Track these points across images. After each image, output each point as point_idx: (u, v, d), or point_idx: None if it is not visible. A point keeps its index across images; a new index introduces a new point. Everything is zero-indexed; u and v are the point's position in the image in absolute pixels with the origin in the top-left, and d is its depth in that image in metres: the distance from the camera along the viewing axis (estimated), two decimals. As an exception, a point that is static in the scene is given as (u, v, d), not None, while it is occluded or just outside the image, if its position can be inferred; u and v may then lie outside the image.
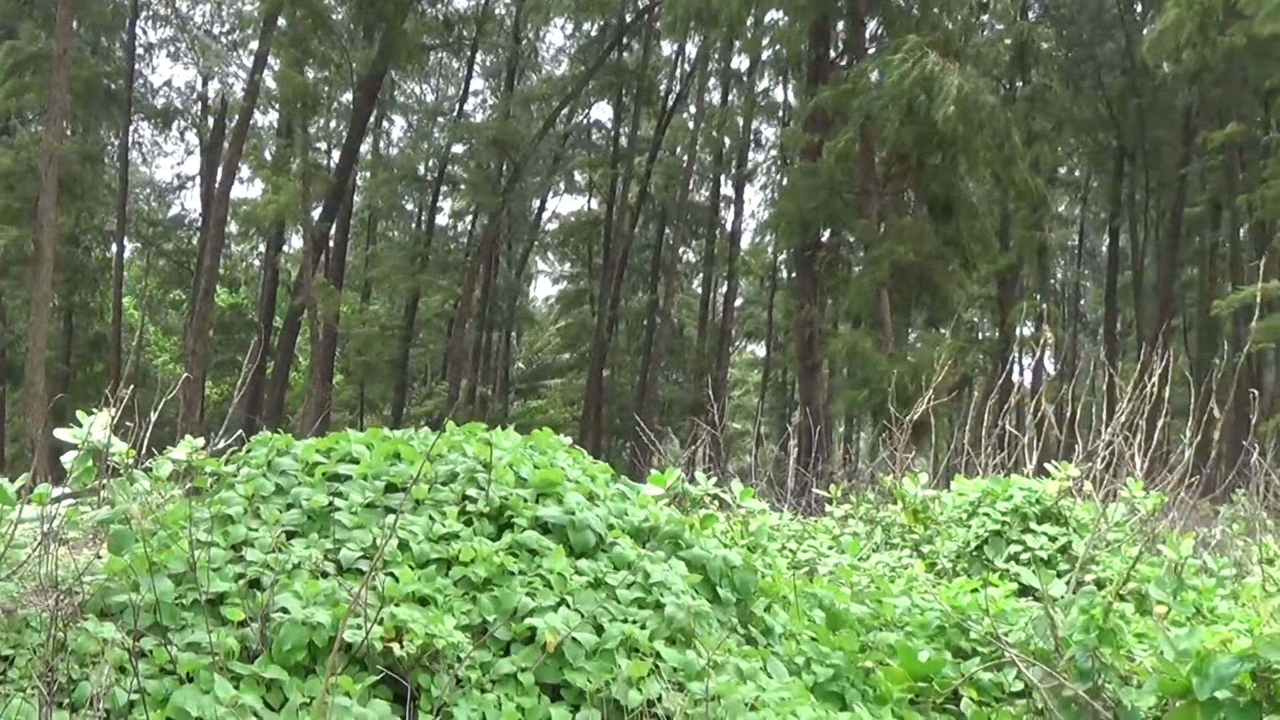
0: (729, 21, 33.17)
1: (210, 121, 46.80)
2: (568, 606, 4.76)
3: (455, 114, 50.85)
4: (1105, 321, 52.02)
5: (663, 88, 49.02)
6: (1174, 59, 39.66)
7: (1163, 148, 47.00)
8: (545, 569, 4.95)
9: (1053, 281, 61.33)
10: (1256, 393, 10.58)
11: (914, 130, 28.98)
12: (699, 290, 53.93)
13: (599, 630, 4.68)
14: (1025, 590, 6.18)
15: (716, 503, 7.75)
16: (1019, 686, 4.49)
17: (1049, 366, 58.85)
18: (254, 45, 39.82)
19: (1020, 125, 37.41)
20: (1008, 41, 41.24)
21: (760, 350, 59.04)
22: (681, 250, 50.70)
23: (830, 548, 7.78)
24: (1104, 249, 55.60)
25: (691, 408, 42.55)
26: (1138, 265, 50.74)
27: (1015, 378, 40.38)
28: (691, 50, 46.80)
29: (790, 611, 5.27)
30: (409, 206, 54.40)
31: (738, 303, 54.58)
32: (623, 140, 49.35)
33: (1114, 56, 46.62)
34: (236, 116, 39.55)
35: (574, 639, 4.52)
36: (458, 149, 49.79)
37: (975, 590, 5.48)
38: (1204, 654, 3.59)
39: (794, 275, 40.80)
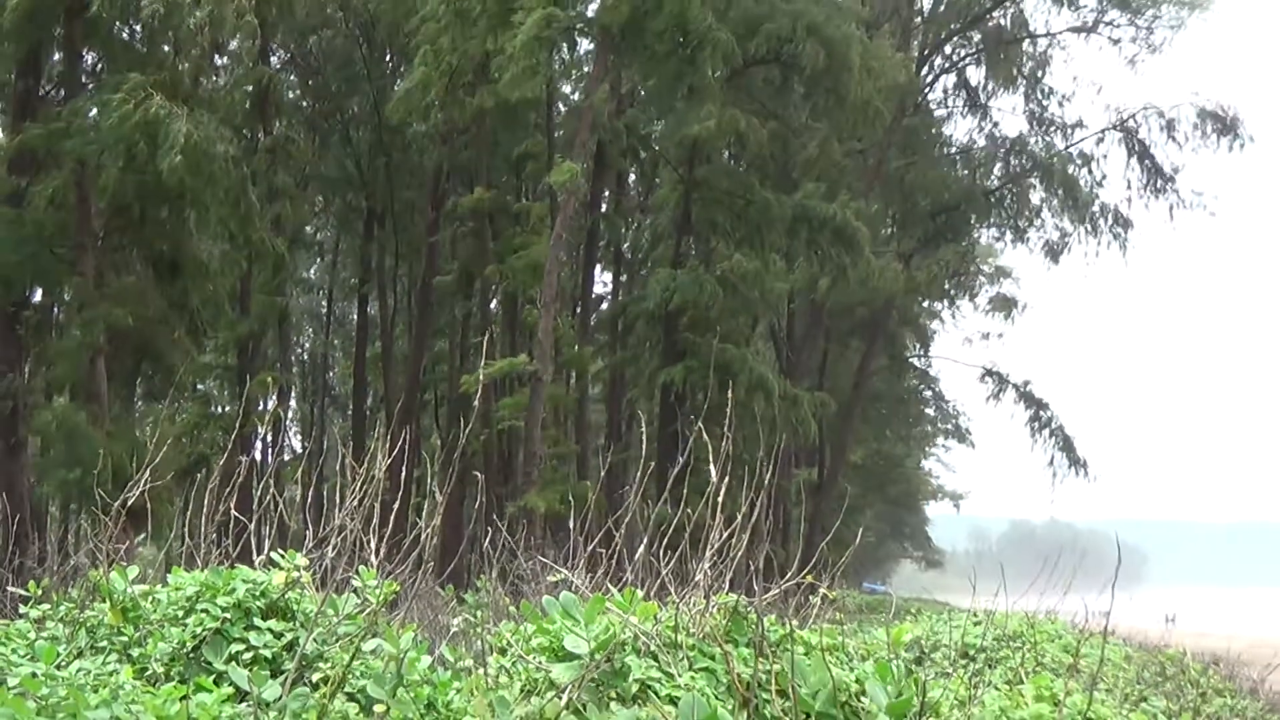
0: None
1: None
2: None
3: None
4: (353, 395, 53.62)
5: None
6: (423, 118, 42.27)
7: (413, 211, 49.57)
8: None
9: (300, 351, 62.57)
10: (485, 479, 11.35)
11: (137, 180, 28.50)
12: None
13: None
14: (245, 695, 6.20)
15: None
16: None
17: (296, 443, 59.99)
18: None
19: (261, 179, 37.92)
20: (249, 88, 41.69)
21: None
22: None
23: (24, 655, 7.36)
24: (353, 318, 57.52)
25: None
26: (388, 335, 52.83)
27: (257, 456, 40.73)
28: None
29: (-39, 737, 4.95)
30: None
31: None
32: None
33: (363, 112, 48.61)
34: None
35: None
36: None
37: (186, 697, 5.44)
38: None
39: (-4, 338, 38.51)
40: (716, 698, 5.65)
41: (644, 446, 10.39)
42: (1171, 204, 53.01)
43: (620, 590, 6.93)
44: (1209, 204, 53.05)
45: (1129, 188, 53.86)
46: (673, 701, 5.43)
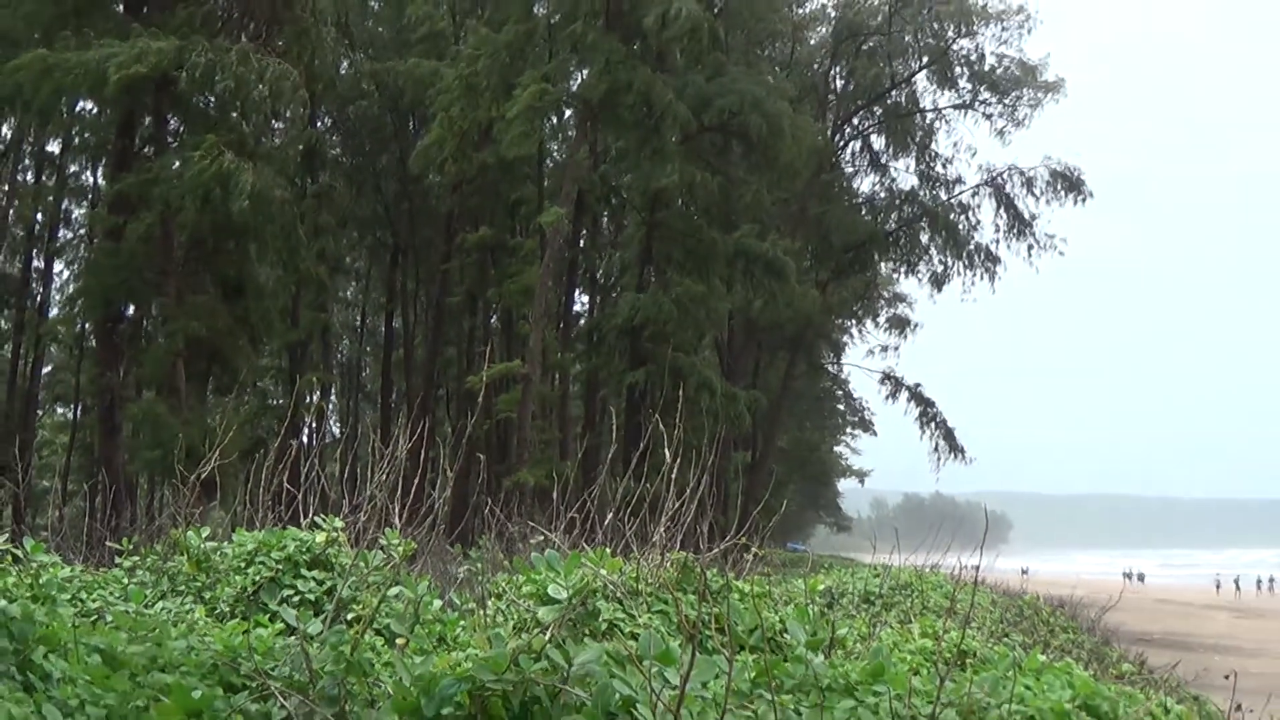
0: (40, 107, 30.56)
1: None
2: None
3: None
4: (381, 392, 53.40)
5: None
6: (438, 170, 42.16)
7: (430, 245, 49.39)
8: None
9: (339, 356, 62.15)
10: (486, 459, 11.31)
11: (211, 219, 28.44)
12: (9, 356, 48.59)
13: None
14: (293, 630, 6.18)
15: (10, 558, 7.11)
16: (283, 715, 4.51)
17: (335, 430, 59.57)
18: None
19: (309, 219, 37.75)
20: (300, 146, 41.51)
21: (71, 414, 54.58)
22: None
23: (119, 596, 7.34)
24: (381, 330, 57.30)
25: (-3, 467, 38.07)
26: (408, 345, 52.69)
27: (304, 440, 40.48)
28: (6, 132, 42.55)
29: (70, 657, 4.91)
30: None
31: (47, 369, 49.96)
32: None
33: (391, 165, 48.51)
34: None
35: None
36: None
37: (247, 631, 5.43)
38: (431, 677, 3.73)
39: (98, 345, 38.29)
40: (669, 634, 5.69)
41: (613, 434, 10.42)
42: (1030, 244, 53.71)
43: (593, 548, 6.96)
44: (1059, 245, 53.74)
45: (997, 231, 54.55)
46: (634, 637, 5.45)
